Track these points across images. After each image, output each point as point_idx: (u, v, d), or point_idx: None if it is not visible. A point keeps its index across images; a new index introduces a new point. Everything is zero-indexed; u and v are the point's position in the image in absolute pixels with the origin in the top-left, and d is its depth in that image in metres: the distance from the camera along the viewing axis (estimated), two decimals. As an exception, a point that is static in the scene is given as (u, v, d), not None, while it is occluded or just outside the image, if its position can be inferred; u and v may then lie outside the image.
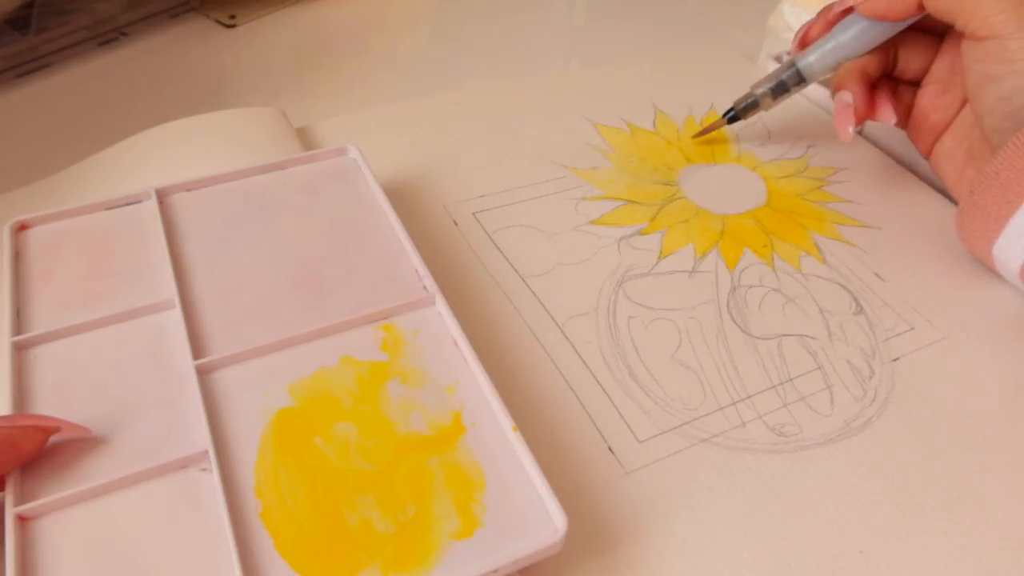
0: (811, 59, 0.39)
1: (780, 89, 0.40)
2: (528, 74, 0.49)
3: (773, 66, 0.48)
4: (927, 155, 0.39)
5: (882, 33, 0.37)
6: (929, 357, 0.33)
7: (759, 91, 0.41)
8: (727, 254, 0.37)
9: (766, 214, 0.39)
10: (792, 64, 0.39)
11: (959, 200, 0.36)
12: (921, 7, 0.35)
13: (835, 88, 0.38)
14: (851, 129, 0.37)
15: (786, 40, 0.52)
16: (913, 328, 0.34)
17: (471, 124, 0.44)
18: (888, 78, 0.39)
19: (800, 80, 0.40)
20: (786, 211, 0.39)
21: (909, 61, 0.38)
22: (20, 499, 0.23)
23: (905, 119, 0.39)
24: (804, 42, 0.40)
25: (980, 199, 0.33)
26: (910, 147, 0.42)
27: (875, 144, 0.44)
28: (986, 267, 0.36)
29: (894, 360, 0.32)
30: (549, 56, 0.55)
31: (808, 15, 0.52)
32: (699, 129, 0.44)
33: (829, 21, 0.38)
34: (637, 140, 0.43)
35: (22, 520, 0.23)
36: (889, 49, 0.38)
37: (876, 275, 0.36)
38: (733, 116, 0.42)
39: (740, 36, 0.55)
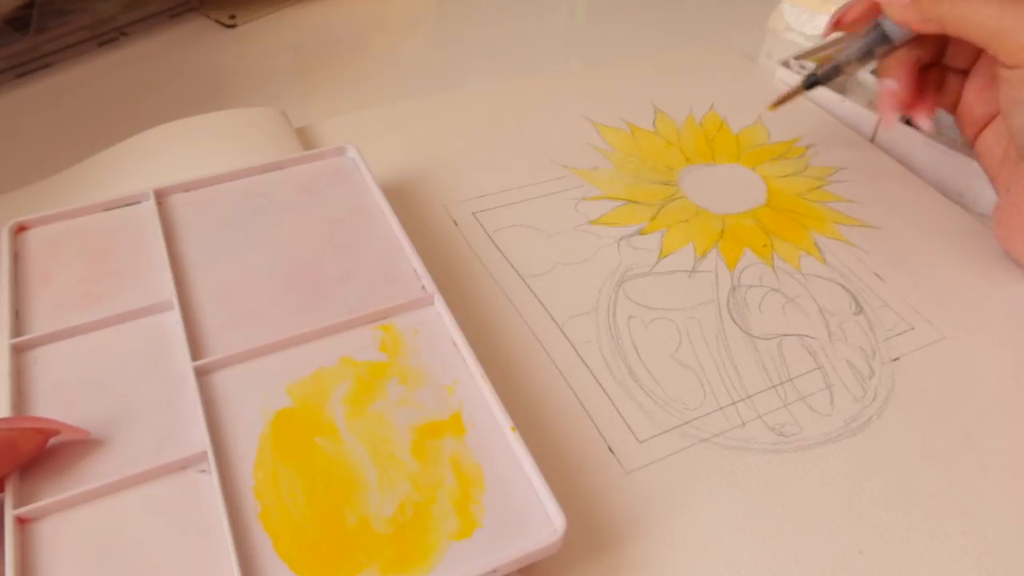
0: None
1: (865, 52, 0.38)
2: (528, 74, 0.49)
3: (774, 66, 0.48)
4: (972, 143, 0.38)
5: None
6: (929, 357, 0.33)
7: (842, 56, 0.39)
8: (727, 254, 0.37)
9: (766, 214, 0.39)
10: (877, 25, 0.37)
11: (998, 194, 0.36)
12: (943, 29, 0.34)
13: (883, 76, 0.37)
14: (893, 116, 0.37)
15: (786, 40, 0.52)
16: (913, 328, 0.34)
17: (471, 124, 0.44)
18: (938, 67, 0.38)
19: (884, 40, 0.37)
20: (786, 211, 0.39)
21: (959, 49, 0.37)
22: (20, 501, 0.23)
23: (953, 108, 0.39)
24: (839, 24, 0.38)
25: (1017, 197, 0.34)
26: (911, 148, 0.43)
27: (875, 144, 0.44)
28: (1001, 268, 0.36)
29: (894, 360, 0.32)
30: (549, 56, 0.55)
31: (808, 15, 0.52)
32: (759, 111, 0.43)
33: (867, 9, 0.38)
34: (637, 140, 0.43)
35: (22, 522, 0.23)
36: (940, 36, 0.36)
37: (876, 275, 0.36)
38: (814, 82, 0.40)
39: (740, 36, 0.55)
